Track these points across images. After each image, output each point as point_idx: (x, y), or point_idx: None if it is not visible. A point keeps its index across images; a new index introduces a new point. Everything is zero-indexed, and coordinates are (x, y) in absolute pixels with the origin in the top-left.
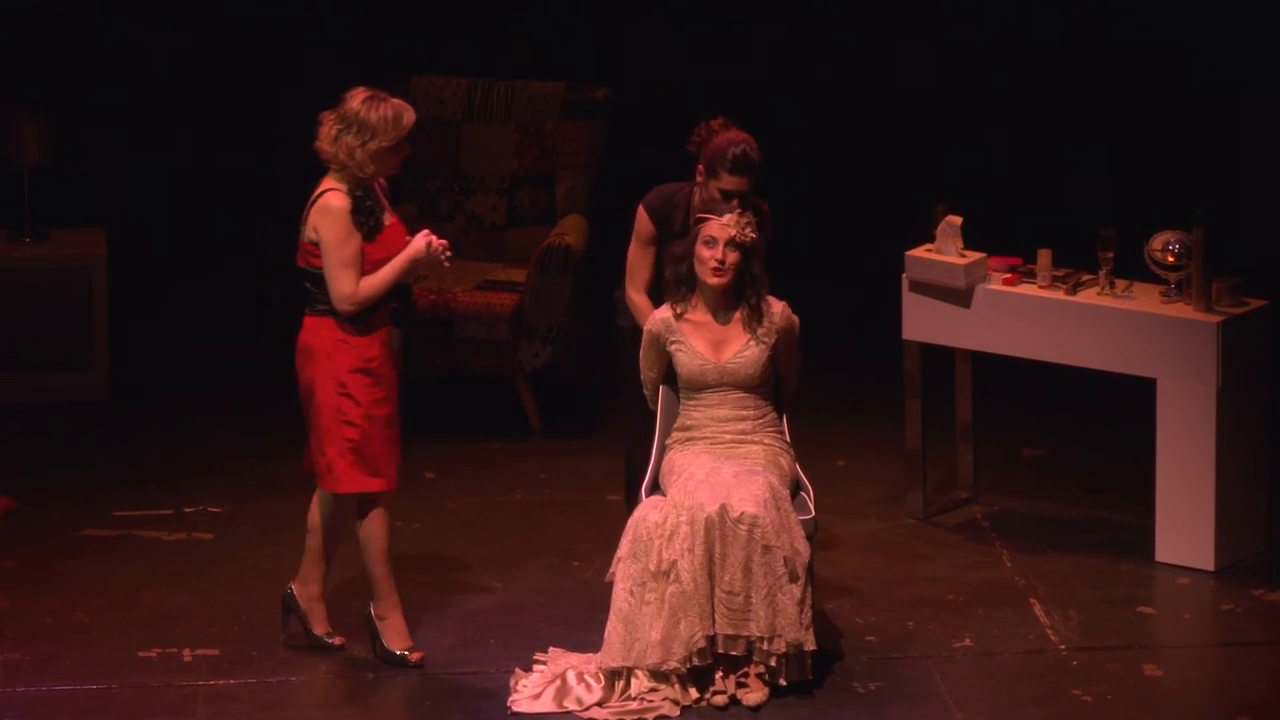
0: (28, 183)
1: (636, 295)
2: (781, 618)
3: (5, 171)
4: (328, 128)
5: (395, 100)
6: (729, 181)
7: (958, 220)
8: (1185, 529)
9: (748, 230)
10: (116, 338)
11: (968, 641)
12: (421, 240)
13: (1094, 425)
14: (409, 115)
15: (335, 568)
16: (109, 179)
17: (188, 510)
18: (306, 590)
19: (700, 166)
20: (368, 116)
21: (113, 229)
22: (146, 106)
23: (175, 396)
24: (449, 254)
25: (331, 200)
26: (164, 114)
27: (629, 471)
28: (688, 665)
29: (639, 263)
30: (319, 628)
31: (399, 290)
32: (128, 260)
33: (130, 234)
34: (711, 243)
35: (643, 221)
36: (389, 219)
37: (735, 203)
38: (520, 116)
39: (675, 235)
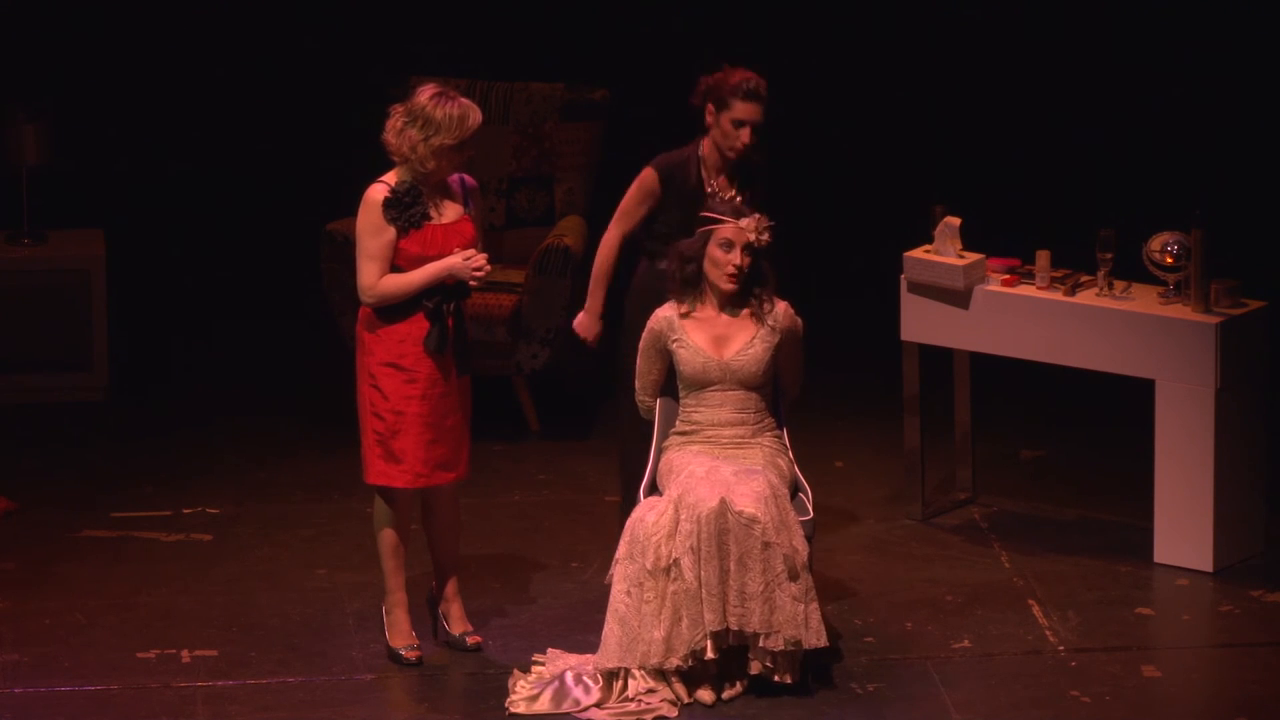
0: (26, 183)
1: (611, 236)
2: (779, 615)
3: (4, 172)
4: (394, 120)
5: (464, 99)
6: (741, 110)
7: (956, 221)
8: (1184, 530)
9: (764, 234)
10: (116, 338)
11: (966, 643)
12: (458, 255)
13: (1093, 426)
14: (475, 116)
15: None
16: (109, 179)
17: (186, 511)
18: (439, 592)
19: (709, 106)
20: (433, 112)
21: (112, 229)
22: (146, 107)
23: (174, 397)
24: (479, 274)
25: (370, 192)
26: (164, 114)
27: (623, 469)
28: (690, 663)
29: (632, 213)
30: (454, 628)
31: (454, 290)
32: (127, 260)
33: (130, 234)
34: (728, 246)
35: (649, 178)
36: (444, 218)
37: (739, 198)
38: (519, 118)
39: (687, 192)
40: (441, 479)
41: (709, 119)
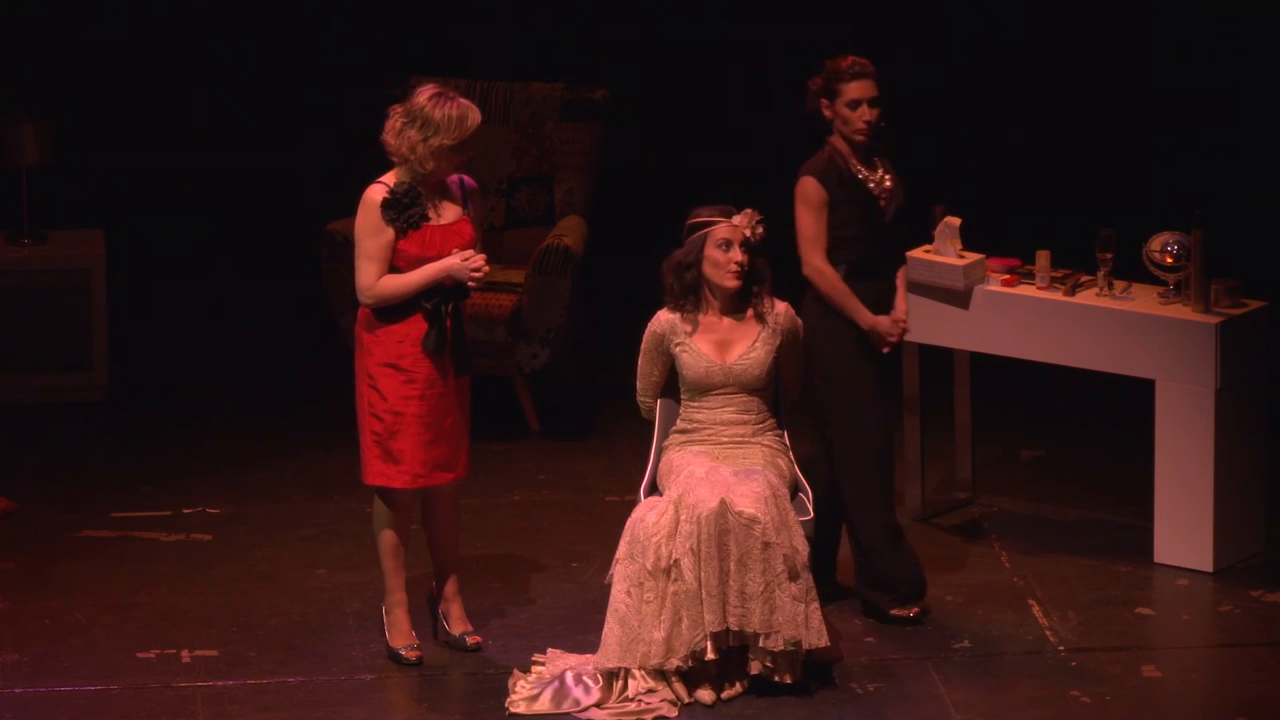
0: (26, 183)
1: (824, 264)
2: (779, 615)
3: (4, 172)
4: (394, 120)
5: (463, 100)
6: (852, 90)
7: (956, 221)
8: (1184, 530)
9: (759, 228)
10: (115, 338)
11: (966, 643)
12: (457, 255)
13: (1093, 426)
14: (474, 116)
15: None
16: (109, 179)
17: (186, 511)
18: (439, 592)
19: (823, 102)
20: (432, 113)
21: (112, 229)
22: (146, 107)
23: (174, 397)
24: (477, 275)
25: (369, 193)
26: (163, 114)
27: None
28: (690, 663)
29: (819, 231)
30: (454, 628)
31: (453, 291)
32: (127, 261)
33: (129, 234)
34: (726, 245)
35: (815, 188)
36: (443, 218)
37: (888, 181)
38: (519, 118)
39: (848, 184)
40: (440, 479)
41: (827, 114)
